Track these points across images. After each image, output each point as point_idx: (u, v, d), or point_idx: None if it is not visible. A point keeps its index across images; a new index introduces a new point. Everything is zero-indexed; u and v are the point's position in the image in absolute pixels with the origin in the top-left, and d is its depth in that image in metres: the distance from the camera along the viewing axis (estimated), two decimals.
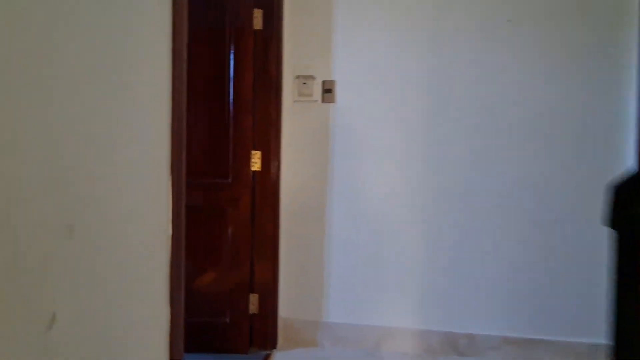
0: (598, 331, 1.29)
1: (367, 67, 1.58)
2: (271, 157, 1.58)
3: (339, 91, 1.60)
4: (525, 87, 1.48)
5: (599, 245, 1.24)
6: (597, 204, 1.23)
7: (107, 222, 0.67)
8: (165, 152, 0.86)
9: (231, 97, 1.53)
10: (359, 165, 1.60)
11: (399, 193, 1.58)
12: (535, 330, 1.48)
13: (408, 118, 1.56)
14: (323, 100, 1.61)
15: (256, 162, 1.58)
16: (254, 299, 1.56)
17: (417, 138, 1.57)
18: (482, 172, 1.53)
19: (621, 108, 1.42)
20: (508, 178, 1.50)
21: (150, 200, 0.82)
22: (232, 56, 1.53)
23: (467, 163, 1.54)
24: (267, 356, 1.56)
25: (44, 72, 0.51)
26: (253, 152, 1.57)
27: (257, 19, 1.53)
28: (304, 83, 1.61)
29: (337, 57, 1.59)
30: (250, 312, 1.56)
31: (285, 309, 1.61)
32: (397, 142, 1.58)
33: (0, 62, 0.43)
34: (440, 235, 1.55)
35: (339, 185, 1.61)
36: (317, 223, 1.62)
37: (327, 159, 1.63)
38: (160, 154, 0.84)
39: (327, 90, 1.60)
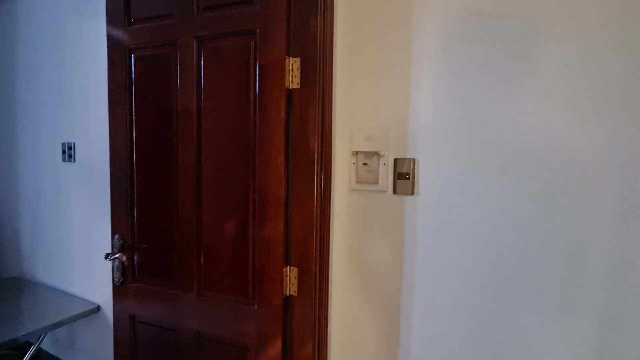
0: None
1: (474, 134, 0.89)
2: (315, 276, 1.04)
3: (422, 176, 0.95)
4: None
5: None
6: None
7: None
8: None
9: (253, 186, 1.06)
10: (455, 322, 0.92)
11: None
12: None
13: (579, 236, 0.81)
14: (395, 191, 0.98)
15: (291, 283, 1.07)
16: None
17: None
18: None
19: None
20: None
21: None
22: (255, 129, 1.05)
23: None
24: None
25: None
26: (285, 269, 1.06)
27: (293, 74, 1.02)
28: (365, 164, 1.02)
29: (419, 121, 0.95)
30: None
31: None
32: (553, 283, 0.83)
33: None
34: None
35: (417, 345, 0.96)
36: None
37: (399, 290, 1.00)
38: None
39: (403, 175, 0.97)
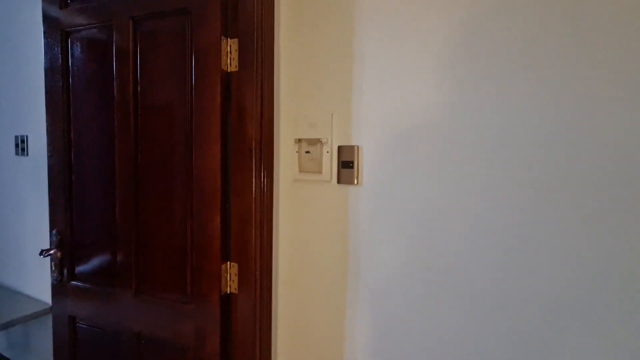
0: None
1: (416, 120, 0.83)
2: (255, 272, 0.97)
3: (366, 164, 0.89)
4: None
5: None
6: None
7: None
8: None
9: (191, 178, 0.99)
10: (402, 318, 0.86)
11: None
12: None
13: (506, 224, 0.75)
14: (340, 180, 0.92)
15: (232, 280, 1.00)
16: None
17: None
18: None
19: None
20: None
21: None
22: (192, 117, 0.98)
23: None
24: None
25: None
26: (225, 265, 1.00)
27: (231, 56, 0.96)
28: (308, 152, 0.96)
29: (363, 107, 0.89)
30: None
31: None
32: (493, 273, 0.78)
33: None
34: None
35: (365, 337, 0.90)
36: None
37: (345, 282, 0.93)
38: None
39: (346, 164, 0.91)
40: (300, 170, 0.97)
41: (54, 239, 1.19)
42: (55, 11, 1.15)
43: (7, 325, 1.52)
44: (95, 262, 1.16)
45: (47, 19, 1.17)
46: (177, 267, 1.03)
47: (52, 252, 1.14)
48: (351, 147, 0.90)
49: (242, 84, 0.95)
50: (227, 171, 0.98)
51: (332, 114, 0.93)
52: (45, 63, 1.18)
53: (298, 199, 0.98)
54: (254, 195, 0.95)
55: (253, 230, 0.96)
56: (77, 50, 1.14)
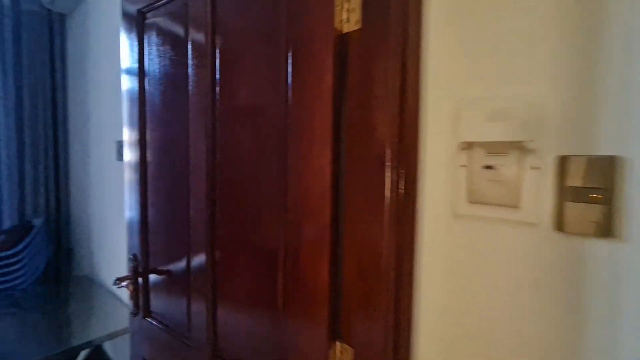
0: None
1: None
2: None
3: (638, 196, 0.41)
4: None
5: None
6: None
7: None
8: None
9: (284, 203, 0.64)
10: None
11: None
12: None
13: None
14: (562, 227, 0.46)
15: None
16: None
17: None
18: None
19: None
20: None
21: None
22: (288, 109, 0.63)
23: None
24: None
25: None
26: (333, 348, 0.62)
27: (347, 5, 0.57)
28: (489, 167, 0.51)
29: (635, 80, 0.41)
30: None
31: None
32: None
33: None
34: None
35: None
36: None
37: None
38: None
39: (584, 193, 0.44)
40: (471, 200, 0.53)
41: (130, 264, 1.00)
42: (132, 8, 0.95)
43: (108, 338, 1.46)
44: (168, 302, 0.92)
45: (125, 16, 0.98)
46: (258, 338, 0.70)
47: (124, 283, 0.94)
48: (603, 160, 0.43)
49: (367, 50, 0.55)
50: (337, 193, 0.61)
51: (544, 98, 0.46)
52: (123, 65, 1.01)
53: (463, 252, 0.54)
54: (384, 235, 0.55)
55: (383, 294, 0.56)
56: (151, 33, 0.91)
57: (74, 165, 2.40)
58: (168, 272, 0.92)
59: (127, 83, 1.00)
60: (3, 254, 1.90)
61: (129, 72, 0.99)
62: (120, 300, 1.81)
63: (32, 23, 2.23)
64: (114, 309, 1.67)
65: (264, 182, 0.68)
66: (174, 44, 0.85)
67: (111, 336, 1.43)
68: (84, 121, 2.21)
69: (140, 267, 0.99)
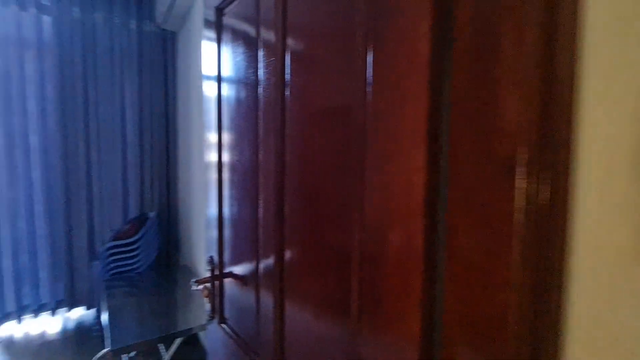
0: None
1: None
2: None
3: None
4: None
5: None
6: None
7: None
8: None
9: (361, 222, 0.49)
10: None
11: None
12: None
13: None
14: None
15: None
16: None
17: None
18: None
19: None
20: None
21: None
22: (365, 96, 0.48)
23: None
24: None
25: None
26: None
27: None
28: None
29: None
30: None
31: None
32: None
33: None
34: None
35: None
36: None
37: None
38: None
39: None
40: None
41: (208, 266, 0.99)
42: (211, 15, 0.94)
43: (200, 329, 1.54)
44: (240, 308, 0.87)
45: (206, 22, 0.97)
46: (328, 350, 0.57)
47: (199, 287, 0.93)
48: None
49: None
50: (435, 199, 0.43)
51: None
52: (204, 70, 1.01)
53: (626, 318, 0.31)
54: (512, 271, 0.36)
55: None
56: (228, 47, 0.87)
57: (179, 166, 2.70)
58: (239, 277, 0.87)
59: (207, 86, 0.99)
60: (128, 240, 2.23)
61: (208, 76, 0.98)
62: None
63: (151, 41, 2.57)
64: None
65: (337, 182, 0.55)
66: (246, 45, 0.78)
67: (203, 327, 1.51)
68: (187, 126, 2.44)
69: (216, 269, 0.97)
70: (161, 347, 1.93)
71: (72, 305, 2.42)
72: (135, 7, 2.50)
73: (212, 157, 0.98)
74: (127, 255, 2.18)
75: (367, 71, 0.48)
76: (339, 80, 0.54)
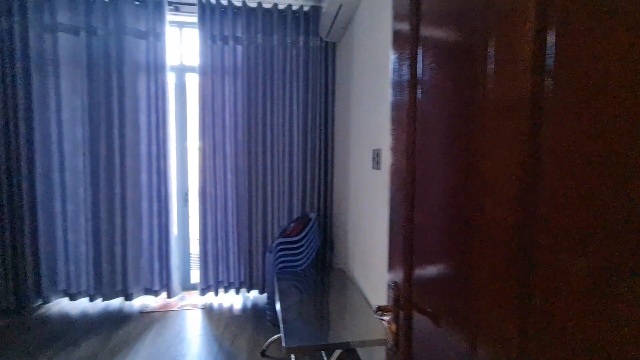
0: None
1: None
2: None
3: None
4: None
5: None
6: None
7: None
8: None
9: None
10: None
11: None
12: None
13: None
14: None
15: None
16: None
17: None
18: None
19: None
20: None
21: None
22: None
23: None
24: None
25: None
26: None
27: None
28: None
29: None
30: None
31: None
32: None
33: None
34: None
35: None
36: None
37: None
38: None
39: None
40: None
41: (390, 293, 0.89)
42: (404, 25, 0.82)
43: (359, 345, 1.50)
44: (428, 346, 0.73)
45: (395, 34, 0.87)
46: None
47: (383, 317, 0.84)
48: None
49: None
50: None
51: None
52: (392, 77, 0.91)
53: None
54: None
55: None
56: (429, 64, 0.74)
57: (336, 171, 2.80)
58: (434, 314, 0.72)
59: (396, 95, 0.89)
60: (294, 237, 2.45)
61: (398, 85, 0.87)
62: (367, 300, 1.88)
63: (315, 54, 2.76)
64: (363, 311, 1.74)
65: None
66: (444, 51, 0.63)
67: (363, 344, 1.46)
68: (345, 133, 2.50)
69: (401, 298, 0.86)
70: (322, 353, 2.01)
71: (250, 287, 2.86)
72: (304, 24, 2.73)
73: (398, 165, 0.87)
74: (293, 252, 2.39)
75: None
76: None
